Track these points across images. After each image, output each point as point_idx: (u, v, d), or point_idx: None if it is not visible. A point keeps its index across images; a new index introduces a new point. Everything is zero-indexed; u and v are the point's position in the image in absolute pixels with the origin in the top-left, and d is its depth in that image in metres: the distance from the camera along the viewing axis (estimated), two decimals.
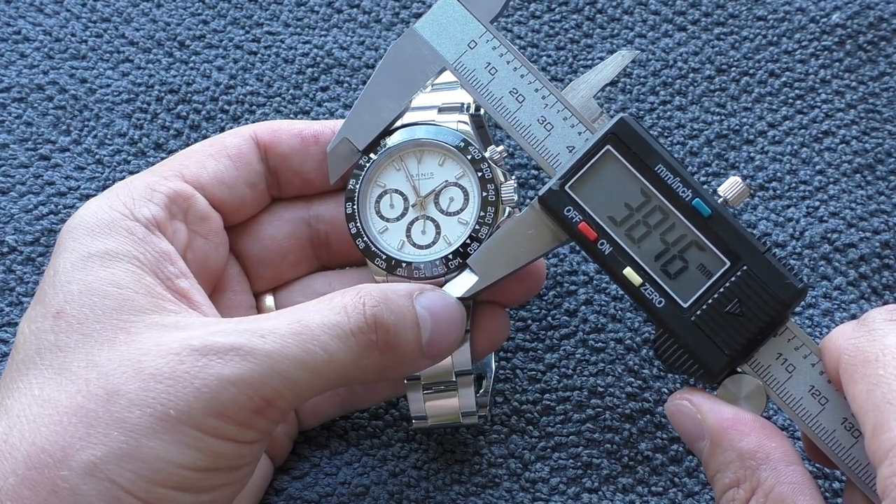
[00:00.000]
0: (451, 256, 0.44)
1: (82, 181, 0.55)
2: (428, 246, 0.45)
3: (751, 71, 0.57)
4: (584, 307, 0.51)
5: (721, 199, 0.42)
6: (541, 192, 0.42)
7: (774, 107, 0.56)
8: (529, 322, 0.51)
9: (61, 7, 0.59)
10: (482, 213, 0.44)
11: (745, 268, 0.41)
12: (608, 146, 0.42)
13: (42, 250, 0.53)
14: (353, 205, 0.45)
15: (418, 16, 0.59)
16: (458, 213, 0.45)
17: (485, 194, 0.44)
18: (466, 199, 0.45)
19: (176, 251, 0.42)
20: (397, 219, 0.45)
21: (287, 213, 0.48)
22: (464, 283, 0.43)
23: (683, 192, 0.42)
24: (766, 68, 0.57)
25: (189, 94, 0.57)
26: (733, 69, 0.57)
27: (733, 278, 0.41)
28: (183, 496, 0.38)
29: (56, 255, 0.42)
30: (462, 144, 0.44)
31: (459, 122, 0.45)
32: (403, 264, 0.44)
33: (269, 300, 0.48)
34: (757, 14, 0.58)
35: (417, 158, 0.45)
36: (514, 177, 0.48)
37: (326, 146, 0.46)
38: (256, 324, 0.39)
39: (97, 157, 0.55)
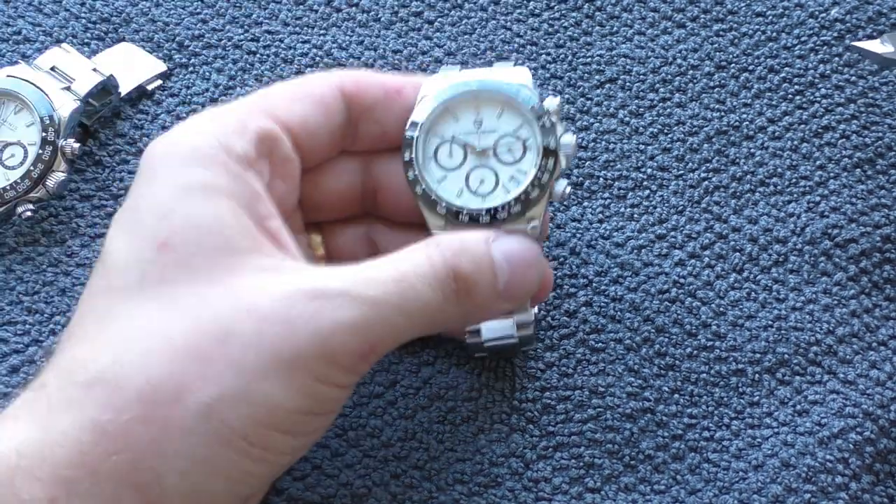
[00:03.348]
0: (512, 203, 0.44)
1: (81, 182, 0.55)
2: (487, 194, 0.45)
3: (750, 67, 0.57)
4: (583, 308, 0.51)
5: None
6: None
7: (774, 102, 0.56)
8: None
9: (61, 7, 0.59)
10: (544, 161, 0.44)
11: None
12: None
13: (42, 250, 0.53)
14: (411, 153, 0.45)
15: (418, 14, 0.59)
16: (516, 162, 0.45)
17: (545, 144, 0.44)
18: (525, 150, 0.45)
19: (265, 190, 0.42)
20: (455, 168, 0.45)
21: (347, 163, 0.47)
22: None
23: None
24: (766, 64, 0.57)
25: (189, 96, 0.57)
26: (732, 65, 0.57)
27: None
28: (285, 438, 0.39)
29: (148, 180, 0.41)
30: (521, 95, 0.45)
31: (518, 73, 0.45)
32: (464, 211, 0.44)
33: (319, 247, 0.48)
34: (756, 10, 0.58)
35: (476, 109, 0.45)
36: (572, 129, 0.49)
37: (408, 100, 0.46)
38: (357, 271, 0.40)
39: (96, 157, 0.55)
